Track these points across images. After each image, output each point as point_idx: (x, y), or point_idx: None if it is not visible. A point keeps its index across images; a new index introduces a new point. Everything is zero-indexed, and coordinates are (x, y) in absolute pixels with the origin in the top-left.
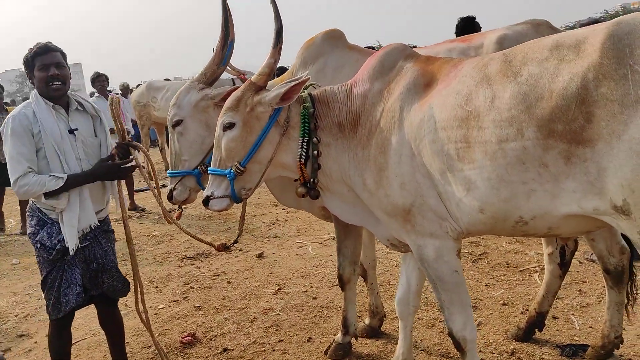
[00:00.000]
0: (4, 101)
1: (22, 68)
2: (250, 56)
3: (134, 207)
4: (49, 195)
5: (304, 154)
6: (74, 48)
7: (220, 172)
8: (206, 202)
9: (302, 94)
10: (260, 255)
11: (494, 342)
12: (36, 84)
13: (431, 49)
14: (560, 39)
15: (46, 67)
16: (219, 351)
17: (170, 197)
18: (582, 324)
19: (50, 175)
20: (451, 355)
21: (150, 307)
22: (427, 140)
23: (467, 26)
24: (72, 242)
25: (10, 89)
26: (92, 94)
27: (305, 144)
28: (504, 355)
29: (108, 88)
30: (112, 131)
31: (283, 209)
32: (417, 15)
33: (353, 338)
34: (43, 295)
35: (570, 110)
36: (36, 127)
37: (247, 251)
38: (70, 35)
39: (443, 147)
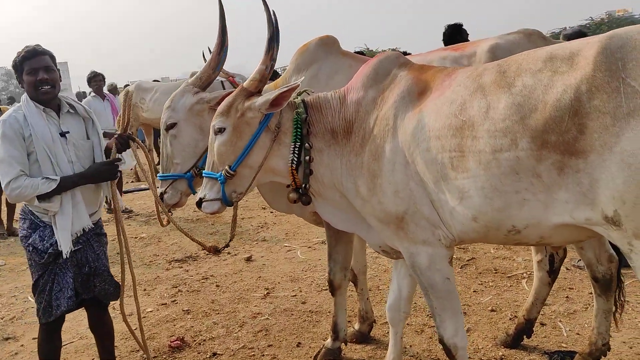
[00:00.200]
0: None
1: (8, 66)
2: (250, 56)
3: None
4: (41, 198)
5: (295, 159)
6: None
7: (212, 175)
8: (199, 204)
9: (296, 100)
10: (248, 259)
11: (482, 348)
12: (26, 88)
13: (424, 56)
14: (554, 51)
15: (35, 71)
16: (208, 356)
17: (162, 198)
18: (569, 330)
19: (43, 178)
20: None
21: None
22: (421, 148)
23: (454, 33)
24: (65, 246)
25: None
26: (77, 95)
27: (297, 149)
28: None
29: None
30: (104, 135)
31: (271, 212)
32: (418, 14)
33: (343, 343)
34: (29, 298)
35: (563, 122)
36: (27, 130)
37: (236, 254)
38: (70, 35)
39: (437, 155)
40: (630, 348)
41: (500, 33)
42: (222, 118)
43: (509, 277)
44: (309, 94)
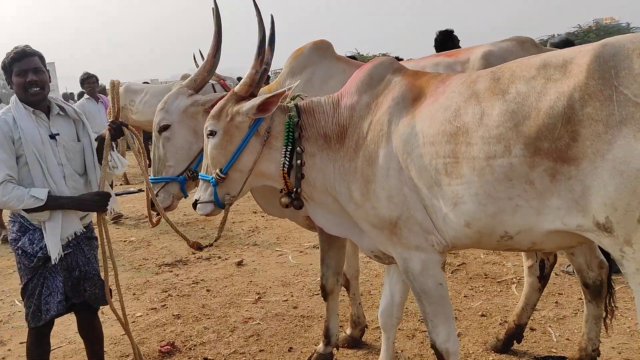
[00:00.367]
0: None
1: None
2: (250, 58)
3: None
4: (28, 210)
5: (287, 163)
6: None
7: (206, 178)
8: (194, 205)
9: (289, 104)
10: (239, 263)
11: (473, 353)
12: (15, 90)
13: (417, 62)
14: (548, 59)
15: (24, 72)
16: None
17: (152, 204)
18: (559, 335)
19: (31, 193)
20: None
21: (128, 315)
22: (415, 154)
23: (446, 39)
24: (54, 252)
25: None
26: (64, 96)
27: (288, 153)
28: None
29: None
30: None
31: (263, 216)
32: (416, 16)
33: (334, 348)
34: (17, 302)
35: (556, 129)
36: (16, 133)
37: (227, 259)
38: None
39: (431, 161)
40: (619, 353)
41: (488, 40)
42: (213, 121)
43: (499, 282)
44: (302, 99)
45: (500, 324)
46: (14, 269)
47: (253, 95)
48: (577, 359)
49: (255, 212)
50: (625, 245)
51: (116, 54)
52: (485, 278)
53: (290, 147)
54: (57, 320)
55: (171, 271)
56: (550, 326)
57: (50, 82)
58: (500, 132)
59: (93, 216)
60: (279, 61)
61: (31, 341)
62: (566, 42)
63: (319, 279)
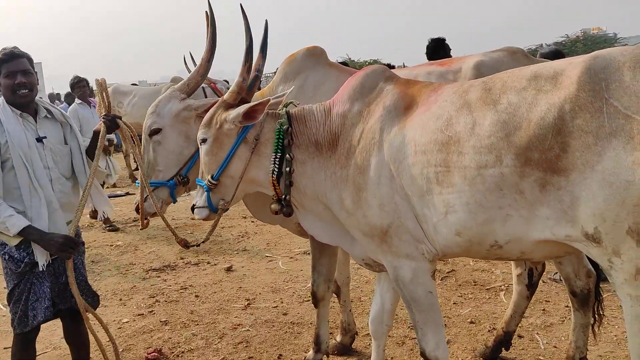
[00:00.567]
0: None
1: None
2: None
3: (95, 216)
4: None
5: (276, 170)
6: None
7: (201, 183)
8: (192, 209)
9: (280, 111)
10: (229, 269)
11: None
12: (3, 92)
13: (410, 71)
14: (539, 70)
15: (12, 74)
16: None
17: (138, 208)
18: (546, 343)
19: (9, 217)
20: None
21: (114, 320)
22: (406, 162)
23: (438, 47)
24: (42, 258)
25: None
26: (50, 96)
27: (277, 160)
28: None
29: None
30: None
31: (252, 222)
32: (416, 16)
33: (324, 355)
34: (1, 306)
35: (546, 140)
36: (3, 137)
37: (216, 264)
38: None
39: (422, 170)
40: None
41: (475, 50)
42: (204, 129)
43: (487, 289)
44: (295, 106)
45: (488, 331)
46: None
47: (244, 101)
48: None
49: (245, 217)
50: (614, 256)
51: (103, 55)
52: (474, 285)
53: (279, 154)
54: (42, 326)
55: (159, 276)
56: (537, 333)
57: (37, 84)
58: (492, 142)
59: (80, 221)
60: (271, 65)
61: (17, 346)
62: (556, 52)
63: (309, 285)
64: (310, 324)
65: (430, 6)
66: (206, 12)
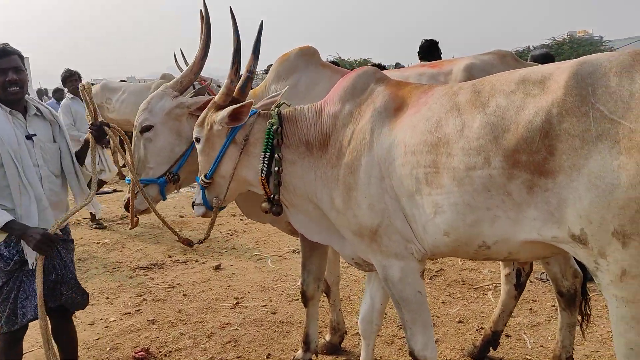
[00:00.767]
0: None
1: None
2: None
3: (95, 220)
4: None
5: (265, 169)
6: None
7: (197, 181)
8: (192, 206)
9: (272, 111)
10: (217, 267)
11: (450, 359)
12: None
13: (401, 72)
14: (527, 74)
15: (4, 71)
16: None
17: (127, 206)
18: (533, 342)
19: None
20: None
21: (101, 319)
22: (396, 163)
23: (432, 48)
24: (32, 256)
25: None
26: (39, 92)
27: (266, 160)
28: None
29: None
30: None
31: (241, 220)
32: (404, 17)
33: (313, 355)
34: None
35: (534, 143)
36: None
37: (204, 262)
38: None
39: (412, 170)
40: None
41: (463, 51)
42: (198, 129)
43: (475, 288)
44: (288, 106)
45: (477, 330)
46: None
47: (237, 102)
48: None
49: (234, 215)
50: (600, 257)
51: (91, 51)
52: (463, 285)
53: (269, 154)
54: (29, 324)
55: (146, 275)
56: (525, 333)
57: (28, 81)
58: (480, 144)
59: (71, 220)
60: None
61: (4, 345)
62: (546, 55)
63: (298, 284)
64: (300, 323)
65: (416, 7)
66: (201, 11)
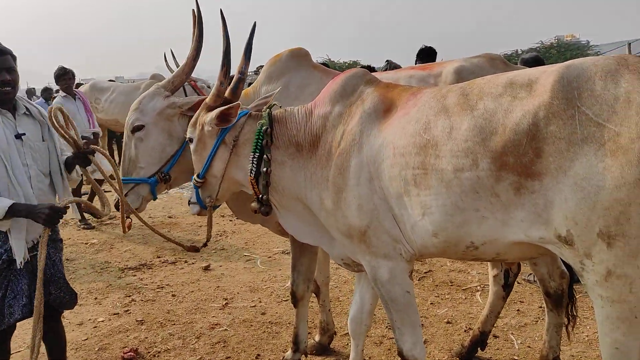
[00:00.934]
0: None
1: None
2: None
3: (83, 221)
4: None
5: (254, 169)
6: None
7: (192, 180)
8: (189, 204)
9: (263, 112)
10: (206, 268)
11: (439, 359)
12: None
13: (392, 74)
14: (514, 77)
15: None
16: None
17: (117, 205)
18: (520, 343)
19: None
20: None
21: (89, 319)
22: (385, 164)
23: (432, 54)
24: (20, 256)
25: None
26: (28, 92)
27: (256, 160)
28: None
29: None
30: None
31: (231, 220)
32: (392, 19)
33: (303, 355)
34: None
35: (521, 145)
36: None
37: (193, 263)
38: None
39: (401, 172)
40: None
41: (452, 54)
42: (191, 129)
43: (464, 290)
44: (279, 107)
45: (465, 331)
46: None
47: (229, 103)
48: None
49: (223, 216)
50: (585, 258)
51: (79, 51)
52: (451, 286)
53: (257, 155)
54: (16, 324)
55: (135, 275)
56: (512, 333)
57: (19, 81)
58: (468, 146)
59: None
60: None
61: None
62: (536, 59)
63: (288, 285)
64: (289, 323)
65: (404, 10)
66: (193, 10)
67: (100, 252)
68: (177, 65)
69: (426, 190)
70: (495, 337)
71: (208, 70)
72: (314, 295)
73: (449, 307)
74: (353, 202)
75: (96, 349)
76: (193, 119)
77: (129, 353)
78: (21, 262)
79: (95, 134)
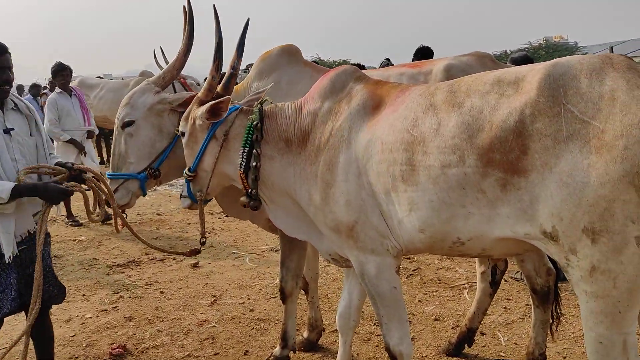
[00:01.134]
0: None
1: None
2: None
3: (71, 217)
4: None
5: (243, 163)
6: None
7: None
8: (180, 197)
9: (254, 108)
10: (195, 265)
11: (426, 356)
12: None
13: (383, 72)
14: (502, 75)
15: (2, 70)
16: None
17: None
18: (507, 340)
19: None
20: None
21: (77, 316)
22: (373, 160)
23: (428, 53)
24: (8, 250)
25: None
26: (18, 88)
27: (245, 154)
28: None
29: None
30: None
31: (219, 218)
32: (379, 17)
33: (291, 352)
34: None
35: (507, 142)
36: None
37: (181, 260)
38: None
39: (388, 168)
40: (564, 358)
41: (440, 54)
42: (183, 123)
43: (451, 287)
44: (270, 103)
45: (452, 328)
46: None
47: (220, 97)
48: None
49: (212, 214)
50: (570, 254)
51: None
52: (439, 283)
53: (247, 149)
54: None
55: (123, 272)
56: (499, 330)
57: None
58: (455, 143)
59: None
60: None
61: None
62: (525, 58)
63: (276, 282)
64: (277, 320)
65: (392, 11)
66: (184, 6)
67: (88, 249)
68: (167, 63)
69: (413, 186)
70: (483, 334)
71: (195, 67)
72: (302, 292)
73: (437, 305)
74: (341, 198)
75: (84, 345)
76: (185, 113)
77: (117, 349)
78: (10, 257)
79: (90, 132)
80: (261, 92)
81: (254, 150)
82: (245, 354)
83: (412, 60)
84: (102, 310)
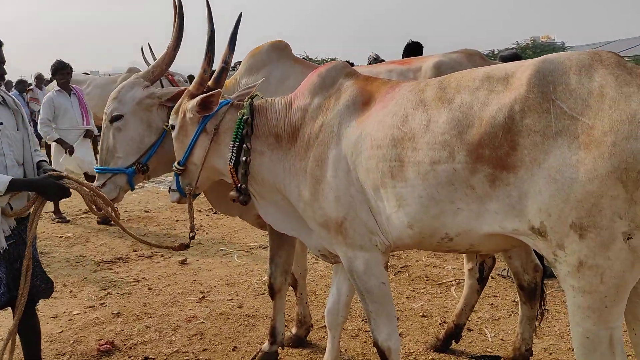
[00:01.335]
0: None
1: None
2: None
3: (58, 214)
4: None
5: (233, 157)
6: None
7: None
8: (169, 191)
9: (245, 102)
10: (183, 262)
11: (414, 352)
12: None
13: (372, 68)
14: (491, 72)
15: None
16: None
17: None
18: (494, 336)
19: None
20: None
21: (64, 312)
22: (363, 156)
23: (418, 49)
24: None
25: None
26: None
27: (235, 149)
28: None
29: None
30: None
31: (207, 215)
32: (370, 17)
33: (280, 347)
34: None
35: (497, 138)
36: None
37: (170, 257)
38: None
39: (378, 164)
40: (550, 354)
41: (429, 53)
42: (173, 116)
43: (439, 284)
44: (261, 98)
45: (440, 324)
46: None
47: (211, 91)
48: (511, 358)
49: (200, 211)
50: (558, 249)
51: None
52: (427, 280)
53: (237, 144)
54: None
55: (110, 269)
56: (486, 327)
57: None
58: (445, 139)
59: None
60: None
61: None
62: (514, 55)
63: (265, 278)
64: (266, 316)
65: (381, 9)
66: (174, 1)
67: (76, 246)
68: (154, 59)
69: (402, 182)
70: (470, 330)
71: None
72: (291, 288)
73: (425, 301)
74: (330, 194)
75: (71, 342)
76: (176, 107)
77: (105, 345)
78: (0, 251)
79: (88, 131)
80: (252, 86)
81: (244, 145)
82: (233, 350)
83: (402, 56)
84: (90, 307)
